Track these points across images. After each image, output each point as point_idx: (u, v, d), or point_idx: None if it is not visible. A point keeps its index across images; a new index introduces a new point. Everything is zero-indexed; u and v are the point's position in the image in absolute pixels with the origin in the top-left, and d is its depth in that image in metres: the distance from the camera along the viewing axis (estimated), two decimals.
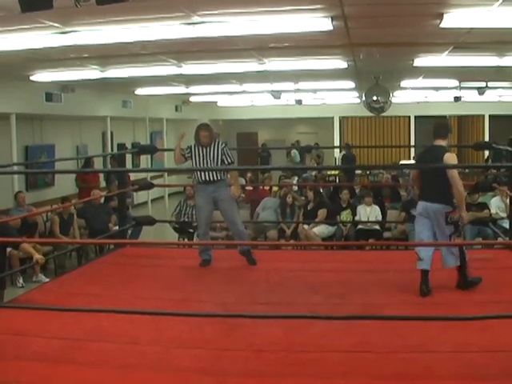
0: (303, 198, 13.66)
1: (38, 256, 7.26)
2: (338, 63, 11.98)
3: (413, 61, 11.62)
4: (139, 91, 18.08)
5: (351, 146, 24.35)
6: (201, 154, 8.19)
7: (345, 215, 12.84)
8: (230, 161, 8.28)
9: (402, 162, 22.41)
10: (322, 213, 12.43)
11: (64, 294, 6.82)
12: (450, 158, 6.80)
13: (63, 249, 11.37)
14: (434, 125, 7.36)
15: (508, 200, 9.86)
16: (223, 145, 8.30)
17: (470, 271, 6.78)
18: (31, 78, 13.01)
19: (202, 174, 8.15)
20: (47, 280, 10.75)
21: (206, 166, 8.23)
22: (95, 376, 4.48)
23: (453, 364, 4.62)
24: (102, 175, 17.20)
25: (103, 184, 16.95)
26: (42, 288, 7.86)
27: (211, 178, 8.12)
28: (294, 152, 25.63)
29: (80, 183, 16.01)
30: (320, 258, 9.02)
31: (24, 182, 15.66)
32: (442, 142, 7.04)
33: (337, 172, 19.11)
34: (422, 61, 11.61)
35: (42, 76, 12.97)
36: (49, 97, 15.06)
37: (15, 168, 11.84)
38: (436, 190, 6.78)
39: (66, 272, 9.73)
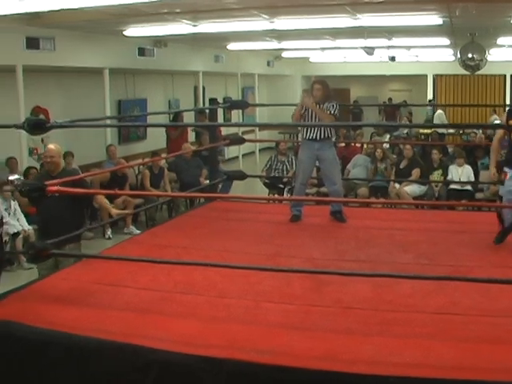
0: (394, 156, 13.52)
1: (113, 212, 7.40)
2: (433, 19, 11.72)
3: (510, 17, 11.28)
4: (231, 46, 18.07)
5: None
6: (312, 111, 8.08)
7: (436, 175, 12.68)
8: (332, 112, 8.06)
9: (497, 121, 21.90)
10: (416, 172, 12.37)
11: (154, 246, 6.94)
12: None
13: (154, 202, 11.58)
14: None
15: None
16: (336, 104, 8.09)
17: None
18: (124, 32, 13.15)
19: (308, 131, 8.05)
20: (138, 232, 10.98)
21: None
22: (183, 328, 4.55)
23: None
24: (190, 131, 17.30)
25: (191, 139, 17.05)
26: (134, 239, 8.00)
27: (317, 136, 8.03)
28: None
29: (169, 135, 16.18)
30: (410, 217, 8.91)
31: (117, 135, 15.96)
32: None
33: (429, 131, 18.80)
34: None
35: (134, 31, 13.09)
36: (141, 51, 15.23)
37: (108, 121, 12.05)
38: None
39: (156, 224, 9.90)
